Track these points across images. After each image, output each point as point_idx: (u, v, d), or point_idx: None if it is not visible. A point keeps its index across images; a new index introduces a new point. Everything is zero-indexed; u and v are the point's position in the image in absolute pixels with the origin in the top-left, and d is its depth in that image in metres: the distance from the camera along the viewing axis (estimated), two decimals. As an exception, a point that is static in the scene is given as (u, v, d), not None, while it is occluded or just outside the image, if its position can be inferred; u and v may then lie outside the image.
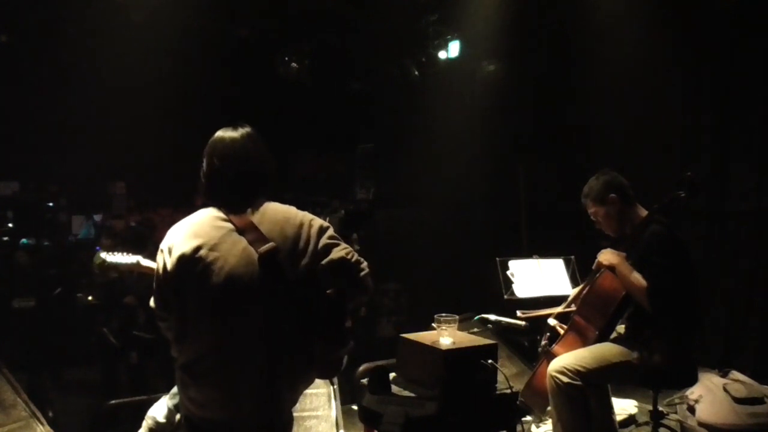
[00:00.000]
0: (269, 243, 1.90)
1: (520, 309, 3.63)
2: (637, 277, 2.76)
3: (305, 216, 2.02)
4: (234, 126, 2.07)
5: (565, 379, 2.77)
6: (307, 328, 1.94)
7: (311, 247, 1.96)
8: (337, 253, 1.98)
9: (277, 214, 2.00)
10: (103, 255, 2.82)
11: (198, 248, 1.90)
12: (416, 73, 6.95)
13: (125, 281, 4.42)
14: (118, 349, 4.46)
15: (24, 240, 6.93)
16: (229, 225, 1.95)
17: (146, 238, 4.94)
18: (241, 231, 1.93)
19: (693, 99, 5.14)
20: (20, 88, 6.77)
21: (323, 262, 1.96)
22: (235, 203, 1.99)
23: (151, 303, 1.99)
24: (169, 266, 1.92)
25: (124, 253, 2.81)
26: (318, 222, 2.02)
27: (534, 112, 6.36)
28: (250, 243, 1.91)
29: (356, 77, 7.74)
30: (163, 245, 1.97)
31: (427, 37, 6.61)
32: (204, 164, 2.05)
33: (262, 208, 2.00)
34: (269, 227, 1.94)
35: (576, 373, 2.77)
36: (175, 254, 1.91)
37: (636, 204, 3.04)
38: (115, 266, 2.78)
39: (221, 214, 1.98)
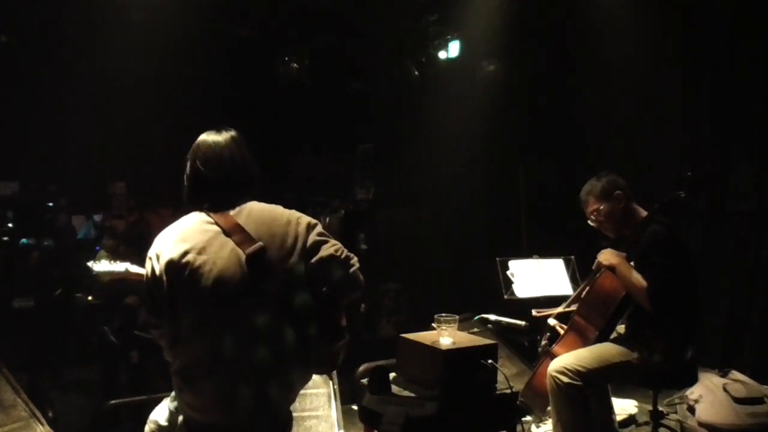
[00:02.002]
0: (257, 243, 1.89)
1: (521, 308, 3.63)
2: (637, 277, 2.76)
3: (292, 214, 2.01)
4: (218, 129, 2.07)
5: (565, 379, 2.77)
6: (300, 326, 1.92)
7: (299, 244, 1.94)
8: (326, 250, 1.96)
9: (263, 213, 1.99)
10: (90, 264, 2.84)
11: (185, 253, 1.88)
12: (416, 73, 6.95)
13: (126, 281, 4.42)
14: (118, 348, 4.46)
15: (24, 240, 6.93)
16: (215, 228, 1.94)
17: (147, 238, 4.94)
18: (227, 233, 1.92)
19: (693, 99, 5.14)
20: (20, 88, 6.77)
21: (312, 260, 1.95)
22: (221, 205, 1.98)
23: (144, 311, 1.99)
24: (158, 272, 1.91)
25: (111, 261, 2.82)
26: (305, 219, 2.01)
27: (534, 112, 6.36)
28: (237, 244, 1.89)
29: (356, 77, 7.74)
30: (151, 252, 1.96)
31: (427, 37, 6.61)
32: (187, 168, 2.05)
33: (247, 209, 1.99)
34: (256, 227, 1.93)
35: (576, 373, 2.77)
36: (163, 260, 1.90)
37: (635, 205, 3.04)
38: (105, 275, 2.80)
39: (207, 218, 1.96)
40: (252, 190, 2.04)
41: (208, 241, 1.91)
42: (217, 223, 1.94)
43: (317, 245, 1.96)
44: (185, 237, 1.93)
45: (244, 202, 2.01)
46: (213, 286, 1.86)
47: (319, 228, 2.01)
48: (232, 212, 1.97)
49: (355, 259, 2.03)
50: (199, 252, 1.89)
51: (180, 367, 1.91)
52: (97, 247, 5.71)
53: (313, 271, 1.95)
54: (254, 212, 1.98)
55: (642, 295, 2.74)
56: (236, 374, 1.86)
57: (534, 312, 3.38)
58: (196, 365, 1.88)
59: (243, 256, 1.88)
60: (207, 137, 2.06)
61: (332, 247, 1.98)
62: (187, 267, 1.87)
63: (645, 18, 5.02)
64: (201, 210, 2.00)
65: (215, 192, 1.99)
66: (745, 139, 4.84)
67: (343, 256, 1.98)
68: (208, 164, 2.00)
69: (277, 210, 2.02)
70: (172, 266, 1.88)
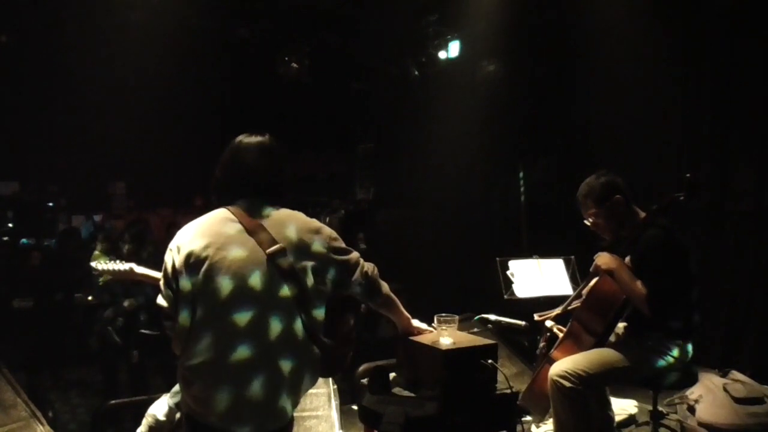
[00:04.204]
0: (278, 244, 1.92)
1: (521, 308, 3.61)
2: (637, 284, 2.72)
3: (313, 222, 2.06)
4: (255, 133, 2.11)
5: (567, 384, 2.74)
6: (313, 329, 1.95)
7: (319, 252, 1.98)
8: (347, 269, 2.03)
9: (286, 218, 2.02)
10: (93, 264, 2.83)
11: (206, 247, 1.91)
12: (416, 73, 6.96)
13: (126, 283, 4.43)
14: (120, 348, 4.47)
15: (24, 240, 6.94)
16: (238, 225, 1.97)
17: (145, 238, 4.95)
18: (250, 232, 1.95)
19: (693, 99, 5.14)
20: (20, 88, 6.77)
21: (335, 279, 2.01)
22: (246, 206, 2.01)
23: (159, 301, 1.99)
24: (177, 264, 1.93)
25: (117, 261, 2.81)
26: (327, 230, 2.05)
27: (534, 112, 6.36)
28: (259, 244, 1.92)
29: (356, 77, 7.75)
30: (172, 244, 1.99)
31: (427, 37, 6.62)
32: (221, 165, 2.08)
33: (271, 212, 2.02)
34: (278, 230, 1.96)
35: (578, 378, 2.74)
36: (183, 252, 1.93)
37: (634, 206, 3.00)
38: (109, 273, 2.78)
39: (231, 216, 1.99)
40: (280, 197, 2.07)
41: (229, 238, 1.93)
42: (240, 222, 1.97)
43: (337, 254, 2.02)
44: (206, 232, 1.96)
45: (270, 206, 2.03)
46: (230, 283, 1.88)
47: (339, 242, 2.05)
48: (256, 214, 2.00)
49: (375, 271, 2.12)
50: (220, 247, 1.91)
51: (189, 360, 1.92)
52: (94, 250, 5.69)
53: (333, 284, 2.02)
54: (278, 216, 2.01)
55: (641, 302, 2.70)
56: (245, 371, 1.87)
57: (536, 316, 3.35)
58: (205, 359, 1.89)
59: (263, 256, 1.90)
60: (241, 139, 2.09)
61: (355, 265, 2.05)
62: (207, 261, 1.89)
63: (645, 18, 5.02)
64: (227, 208, 2.02)
65: (241, 194, 2.03)
66: (745, 139, 4.84)
67: (368, 274, 2.08)
68: (236, 167, 2.05)
69: (300, 216, 2.05)
70: (192, 259, 1.90)
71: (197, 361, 1.89)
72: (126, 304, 4.49)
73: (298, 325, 1.92)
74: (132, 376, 4.57)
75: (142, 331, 4.37)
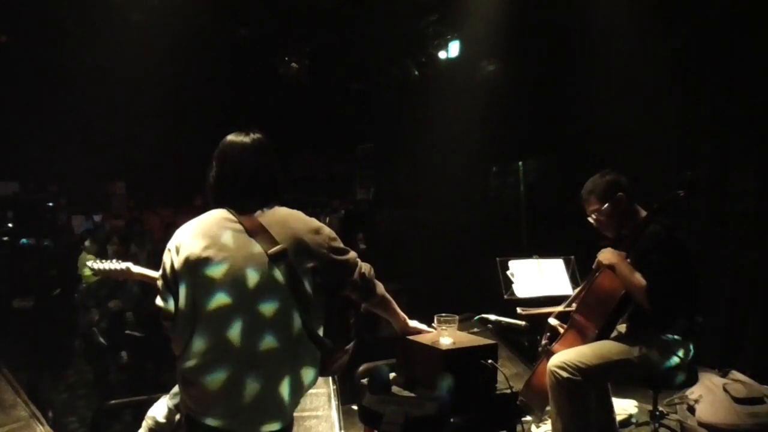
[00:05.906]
0: (279, 245, 1.91)
1: (519, 307, 3.62)
2: (637, 277, 2.76)
3: (313, 222, 2.05)
4: (245, 131, 2.09)
5: (564, 374, 2.76)
6: (313, 329, 1.95)
7: (319, 252, 1.98)
8: (345, 270, 2.05)
9: (286, 217, 2.02)
10: (89, 263, 2.82)
11: (206, 248, 1.91)
12: (416, 73, 6.96)
13: (110, 284, 4.43)
14: (105, 349, 4.46)
15: (24, 240, 6.94)
16: (238, 226, 1.96)
17: (141, 238, 4.95)
18: (250, 233, 1.94)
19: (693, 99, 5.14)
20: (20, 88, 6.77)
21: (332, 278, 2.01)
22: (245, 206, 2.00)
23: (158, 301, 1.99)
24: (176, 265, 1.93)
25: (114, 260, 2.80)
26: (326, 229, 2.06)
27: (534, 112, 6.36)
28: (260, 245, 1.92)
29: (356, 77, 7.75)
30: (171, 244, 1.98)
31: (427, 37, 6.63)
32: (213, 168, 2.06)
33: (271, 212, 2.01)
34: (278, 230, 1.96)
35: (576, 369, 2.76)
36: (183, 253, 1.92)
37: (636, 205, 3.03)
38: (105, 272, 2.77)
39: (231, 216, 1.99)
40: (276, 196, 2.07)
41: (229, 239, 1.93)
42: (240, 222, 1.96)
43: (337, 255, 2.03)
44: (206, 232, 1.95)
45: (270, 205, 2.03)
46: (231, 283, 1.88)
47: (338, 242, 2.05)
48: (255, 213, 1.99)
49: (371, 272, 2.13)
50: (220, 248, 1.91)
51: (188, 361, 1.91)
52: (82, 246, 5.69)
53: (331, 284, 2.02)
54: (278, 216, 2.01)
55: (641, 295, 2.74)
56: (245, 371, 1.87)
57: (519, 310, 3.37)
58: (205, 359, 1.88)
59: (264, 257, 1.90)
60: (235, 139, 2.07)
61: (353, 265, 2.07)
62: (207, 262, 1.89)
63: (645, 17, 5.02)
64: (226, 209, 2.02)
65: (238, 194, 2.02)
66: (744, 140, 4.83)
67: (365, 275, 2.10)
68: (236, 166, 2.03)
69: (300, 216, 2.05)
70: (191, 259, 1.90)
71: (196, 361, 1.89)
72: (111, 305, 4.47)
73: (298, 325, 1.92)
74: (123, 377, 4.57)
75: (128, 332, 4.37)
